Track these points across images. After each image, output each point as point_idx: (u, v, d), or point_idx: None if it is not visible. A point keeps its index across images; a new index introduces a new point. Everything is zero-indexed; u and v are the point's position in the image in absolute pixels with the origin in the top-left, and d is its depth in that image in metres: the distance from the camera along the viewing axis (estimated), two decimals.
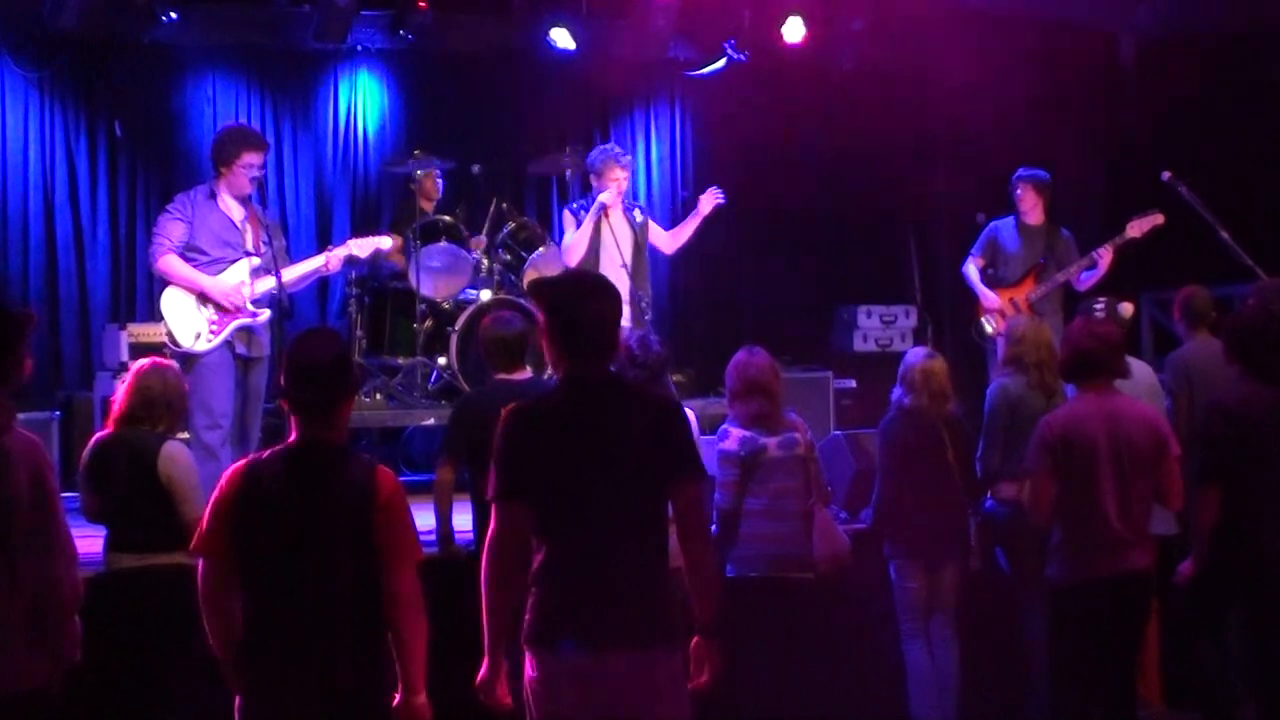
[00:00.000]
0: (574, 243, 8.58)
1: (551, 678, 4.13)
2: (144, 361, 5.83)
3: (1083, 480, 5.78)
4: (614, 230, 8.56)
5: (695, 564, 4.28)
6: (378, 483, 4.22)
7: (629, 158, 8.94)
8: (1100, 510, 5.76)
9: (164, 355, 6.31)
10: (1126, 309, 7.23)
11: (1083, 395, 5.94)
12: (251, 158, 7.28)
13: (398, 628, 4.20)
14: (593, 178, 8.78)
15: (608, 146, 9.26)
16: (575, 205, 8.84)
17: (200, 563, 4.32)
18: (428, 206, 9.97)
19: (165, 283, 7.27)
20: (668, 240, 9.11)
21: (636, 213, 8.83)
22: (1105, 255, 8.66)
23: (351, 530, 4.16)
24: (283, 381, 4.28)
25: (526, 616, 4.18)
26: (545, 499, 4.16)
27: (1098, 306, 7.13)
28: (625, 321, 8.14)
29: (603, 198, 8.54)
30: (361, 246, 7.85)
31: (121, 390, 5.77)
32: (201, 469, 5.92)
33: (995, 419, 6.67)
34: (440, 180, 10.17)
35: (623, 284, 8.26)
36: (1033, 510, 5.97)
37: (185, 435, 6.55)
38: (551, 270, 8.91)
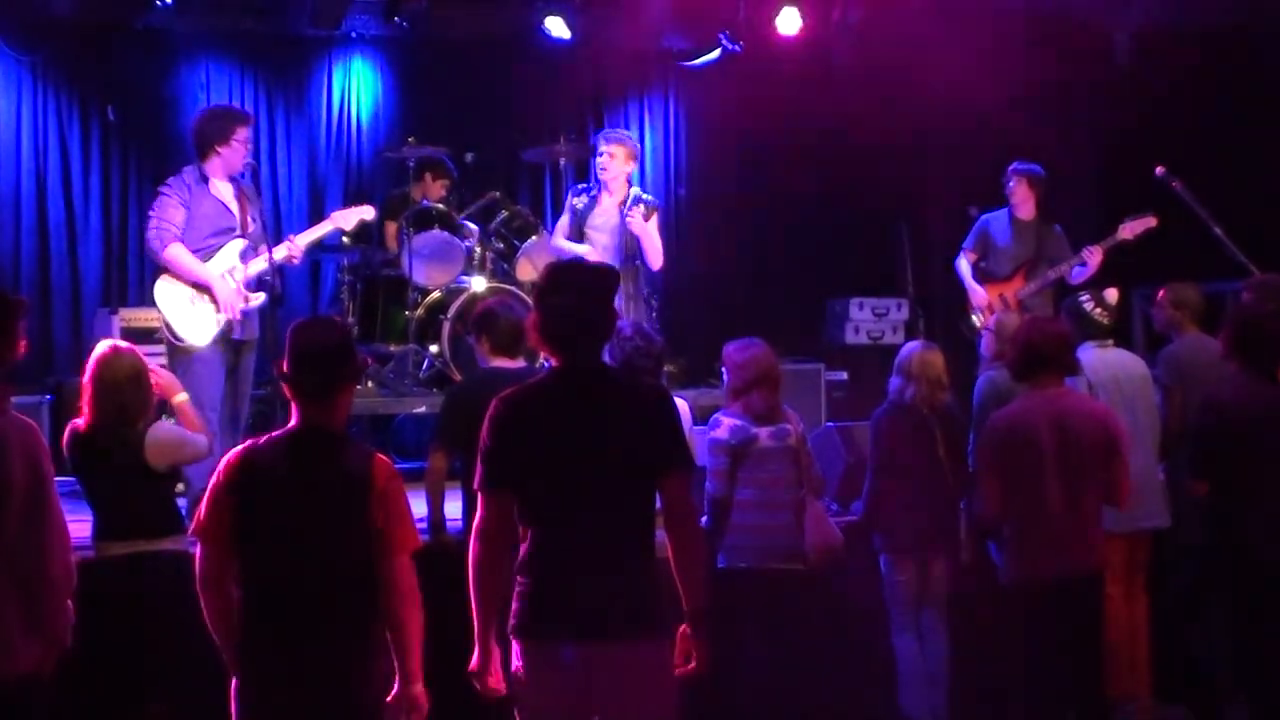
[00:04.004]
0: (561, 250, 8.18)
1: (538, 667, 4.15)
2: (97, 354, 5.43)
3: (1028, 479, 5.80)
4: (606, 218, 8.27)
5: (682, 554, 4.28)
6: (375, 471, 4.22)
7: (616, 142, 8.29)
8: (1046, 509, 5.78)
9: (158, 342, 6.13)
10: (1111, 294, 7.21)
11: (1030, 393, 5.94)
12: (244, 132, 7.24)
13: (394, 617, 4.20)
14: None
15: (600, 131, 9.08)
16: (580, 187, 8.54)
17: (198, 547, 4.32)
18: (419, 196, 9.94)
19: (160, 271, 7.16)
20: (653, 256, 8.27)
21: (641, 207, 8.16)
22: (1095, 255, 8.61)
23: (348, 517, 4.17)
24: (285, 366, 4.28)
25: (513, 606, 4.20)
26: (531, 488, 4.17)
27: (1083, 299, 7.12)
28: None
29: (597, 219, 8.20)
30: (345, 218, 7.86)
31: (86, 392, 5.40)
32: None
33: (985, 413, 6.66)
34: (445, 190, 10.07)
35: None
36: (982, 508, 5.98)
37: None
38: (543, 259, 8.83)
